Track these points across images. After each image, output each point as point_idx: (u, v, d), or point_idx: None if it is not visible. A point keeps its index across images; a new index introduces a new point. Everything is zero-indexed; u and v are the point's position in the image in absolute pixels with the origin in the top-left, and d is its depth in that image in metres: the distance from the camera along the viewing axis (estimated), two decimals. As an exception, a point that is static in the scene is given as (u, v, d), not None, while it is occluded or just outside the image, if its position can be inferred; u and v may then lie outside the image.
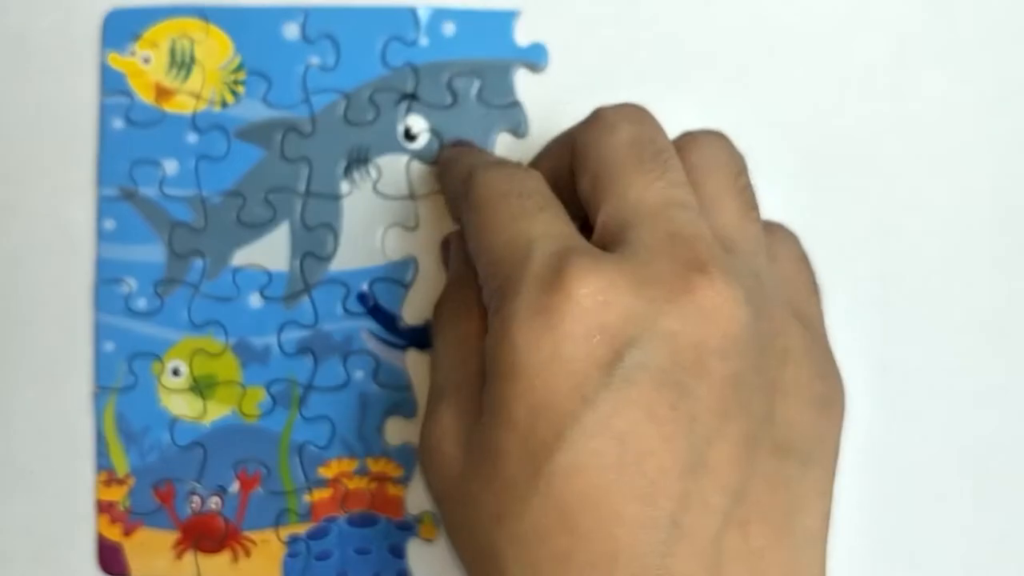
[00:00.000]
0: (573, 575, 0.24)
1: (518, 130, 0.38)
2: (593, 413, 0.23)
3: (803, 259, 0.31)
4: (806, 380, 0.27)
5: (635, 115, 0.29)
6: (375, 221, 0.38)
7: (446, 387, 0.29)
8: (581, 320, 0.24)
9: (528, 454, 0.24)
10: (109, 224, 0.38)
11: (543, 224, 0.27)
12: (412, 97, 0.38)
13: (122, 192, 0.38)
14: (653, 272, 0.25)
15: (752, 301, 0.25)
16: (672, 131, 0.38)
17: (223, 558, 0.38)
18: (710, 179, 0.29)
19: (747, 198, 0.29)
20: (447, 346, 0.30)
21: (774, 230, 0.31)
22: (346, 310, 0.38)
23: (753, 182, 0.30)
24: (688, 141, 0.30)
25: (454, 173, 0.34)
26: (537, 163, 0.33)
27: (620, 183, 0.27)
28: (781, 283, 0.28)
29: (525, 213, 0.27)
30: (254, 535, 0.38)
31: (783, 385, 0.26)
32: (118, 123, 0.38)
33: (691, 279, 0.24)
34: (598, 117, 0.30)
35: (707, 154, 0.29)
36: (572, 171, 0.30)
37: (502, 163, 0.31)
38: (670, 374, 0.24)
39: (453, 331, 0.30)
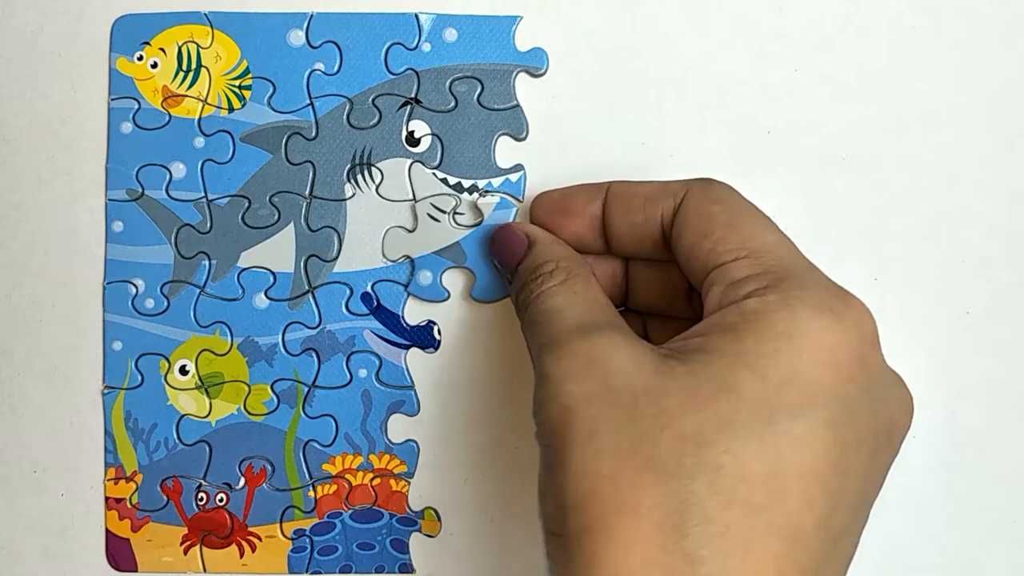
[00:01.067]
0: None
1: (518, 133, 0.38)
2: None
3: None
4: None
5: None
6: (378, 223, 0.38)
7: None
8: None
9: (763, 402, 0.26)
10: (117, 226, 0.38)
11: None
12: (414, 101, 0.38)
13: (130, 194, 0.38)
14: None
15: None
16: (669, 134, 0.39)
17: (230, 553, 0.38)
18: None
19: None
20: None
21: None
22: (349, 310, 0.38)
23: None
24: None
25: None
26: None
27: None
28: None
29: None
30: (260, 530, 0.38)
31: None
32: (126, 127, 0.38)
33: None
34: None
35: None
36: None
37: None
38: None
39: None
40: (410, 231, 0.38)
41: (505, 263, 0.35)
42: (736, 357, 0.27)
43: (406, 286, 0.38)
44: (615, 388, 0.27)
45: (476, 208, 0.38)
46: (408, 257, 0.38)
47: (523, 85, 0.38)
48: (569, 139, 0.39)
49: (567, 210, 0.35)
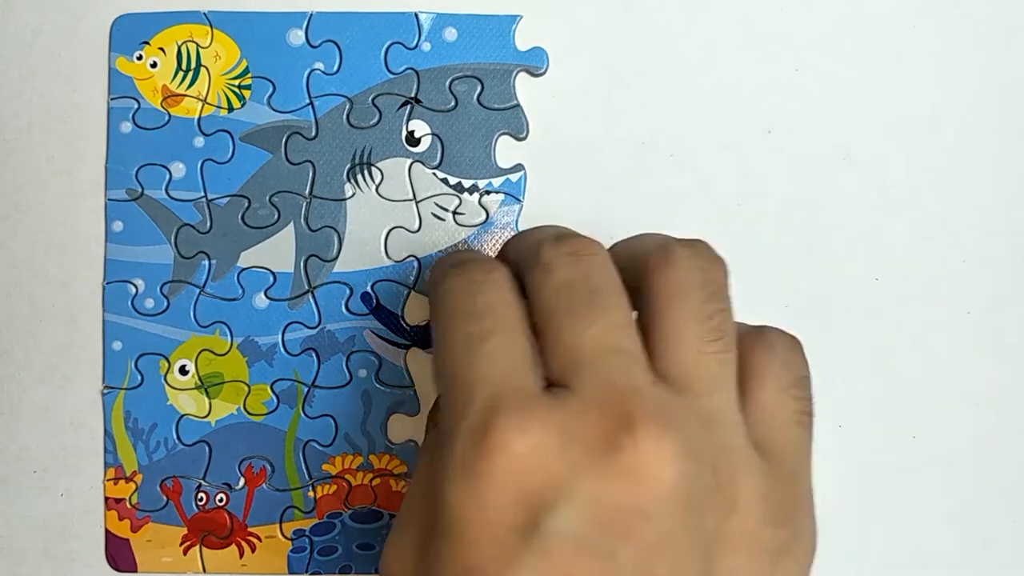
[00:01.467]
0: None
1: (518, 133, 0.38)
2: None
3: (794, 384, 0.28)
4: (754, 528, 0.25)
5: (570, 255, 0.28)
6: (378, 223, 0.38)
7: (409, 515, 0.27)
8: (503, 484, 0.23)
9: None
10: (117, 226, 0.38)
11: (486, 360, 0.26)
12: (414, 101, 0.38)
13: (130, 194, 0.38)
14: (581, 430, 0.24)
15: (691, 453, 0.24)
16: (669, 134, 0.39)
17: (229, 553, 0.38)
18: (672, 308, 0.27)
19: (713, 325, 0.27)
20: (418, 474, 0.29)
21: (763, 346, 0.28)
22: (349, 310, 0.38)
23: (724, 302, 0.28)
24: (659, 262, 0.27)
25: (432, 272, 0.32)
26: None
27: (554, 330, 0.26)
28: (753, 415, 0.27)
29: (471, 343, 0.26)
30: (259, 530, 0.38)
31: (727, 537, 0.25)
32: (126, 126, 0.38)
33: (617, 438, 0.23)
34: (538, 258, 0.28)
35: (673, 277, 0.27)
36: None
37: (468, 263, 0.29)
38: (591, 540, 0.23)
39: (426, 465, 0.29)
40: (414, 232, 0.38)
41: None
42: None
43: (412, 286, 0.38)
44: None
45: (480, 207, 0.38)
46: (413, 256, 0.38)
47: (523, 85, 0.38)
48: (569, 139, 0.39)
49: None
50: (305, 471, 0.38)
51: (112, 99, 0.38)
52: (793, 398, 0.27)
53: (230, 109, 0.38)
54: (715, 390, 0.26)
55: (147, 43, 0.38)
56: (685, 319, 0.26)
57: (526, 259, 0.28)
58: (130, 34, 0.38)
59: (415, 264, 0.38)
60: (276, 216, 0.38)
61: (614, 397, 0.24)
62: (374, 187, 0.38)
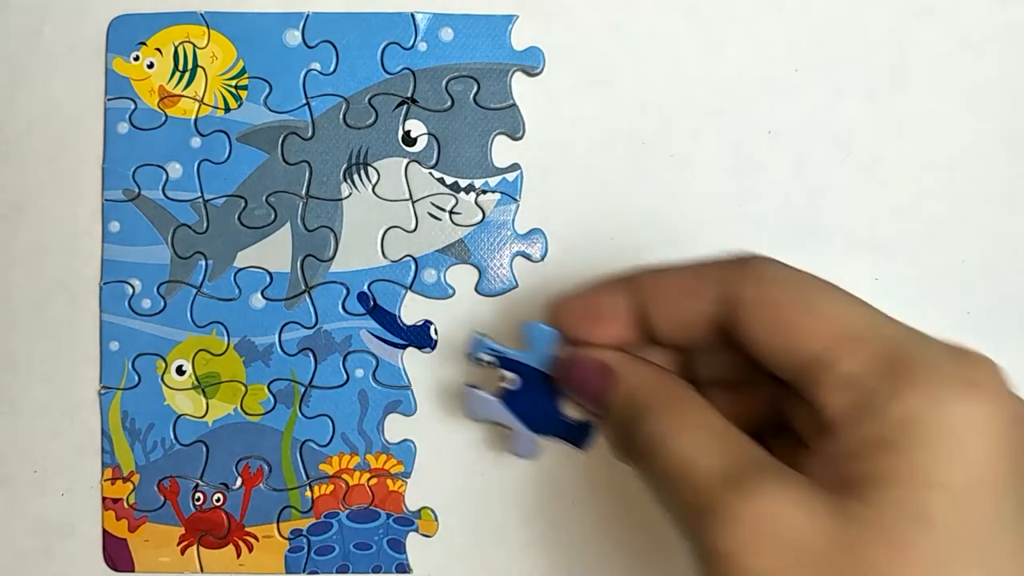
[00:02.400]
0: None
1: (515, 132, 0.38)
2: None
3: None
4: None
5: None
6: (375, 223, 0.38)
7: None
8: None
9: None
10: (114, 226, 0.38)
11: None
12: (411, 101, 0.38)
13: (127, 195, 0.38)
14: None
15: None
16: (669, 134, 0.38)
17: (227, 553, 0.38)
18: None
19: None
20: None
21: None
22: (346, 310, 0.38)
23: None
24: None
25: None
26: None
27: None
28: None
29: None
30: (257, 530, 0.38)
31: None
32: (123, 127, 0.38)
33: None
34: None
35: None
36: None
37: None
38: None
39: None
40: (410, 231, 0.38)
41: (590, 400, 0.30)
42: (914, 479, 0.24)
43: (409, 285, 0.38)
44: (806, 553, 0.24)
45: (476, 206, 0.38)
46: (410, 256, 0.38)
47: (520, 84, 0.38)
48: (567, 138, 0.39)
49: (596, 316, 0.30)
50: (302, 471, 0.38)
51: (109, 100, 0.38)
52: None
53: (227, 109, 0.38)
54: None
55: (144, 44, 0.38)
56: None
57: None
58: (127, 35, 0.38)
59: (412, 264, 0.38)
60: (273, 216, 0.38)
61: None
62: (371, 187, 0.38)
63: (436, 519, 0.38)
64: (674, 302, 0.28)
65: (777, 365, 0.27)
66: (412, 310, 0.38)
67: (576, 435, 0.32)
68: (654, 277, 0.29)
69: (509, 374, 0.32)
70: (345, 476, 0.38)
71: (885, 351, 0.26)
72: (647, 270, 0.29)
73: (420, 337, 0.38)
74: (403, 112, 0.38)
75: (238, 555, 0.38)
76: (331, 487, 0.38)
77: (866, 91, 0.39)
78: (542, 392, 0.32)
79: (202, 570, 0.38)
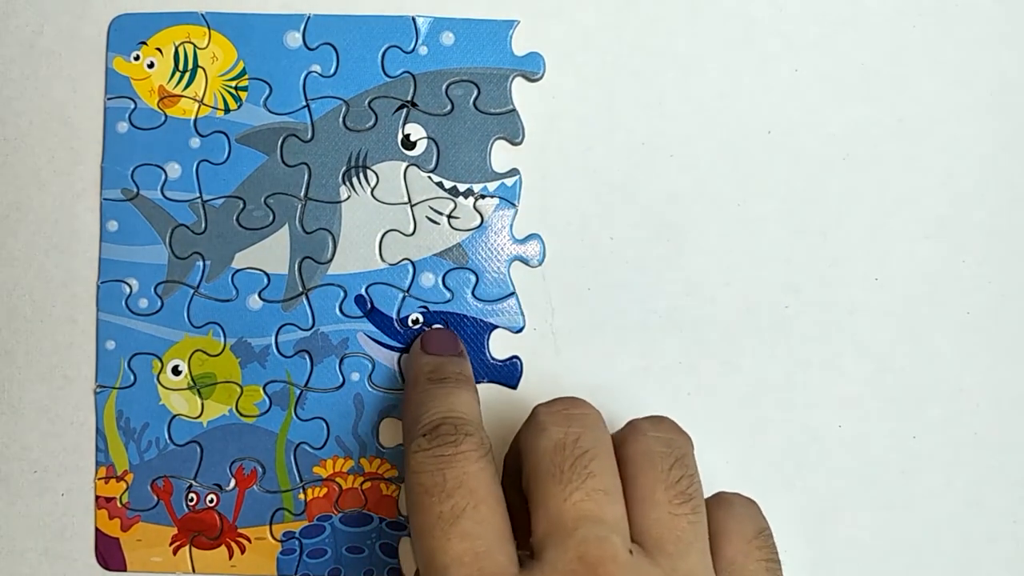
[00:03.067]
0: None
1: (514, 137, 0.38)
2: None
3: (756, 535, 0.30)
4: None
5: (563, 414, 0.30)
6: (373, 226, 0.38)
7: None
8: None
9: None
10: (112, 225, 0.38)
11: (458, 541, 0.27)
12: (411, 104, 0.38)
13: (125, 194, 0.38)
14: None
15: None
16: (669, 134, 0.38)
17: (219, 554, 0.38)
18: (642, 474, 0.29)
19: (680, 489, 0.29)
20: None
21: (723, 505, 0.31)
22: (343, 313, 0.38)
23: (690, 470, 0.30)
24: (628, 432, 0.31)
25: (406, 411, 0.34)
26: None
27: (542, 493, 0.28)
28: (724, 571, 0.29)
29: (443, 523, 0.28)
30: (249, 532, 0.38)
31: None
32: (122, 126, 0.38)
33: None
34: (533, 418, 0.30)
35: (642, 447, 0.30)
36: None
37: (436, 434, 0.30)
38: None
39: None
40: (408, 235, 0.38)
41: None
42: None
43: (406, 289, 0.38)
44: None
45: (475, 210, 0.38)
46: (408, 260, 0.38)
47: (520, 89, 0.38)
48: (567, 143, 0.39)
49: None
50: (296, 473, 0.38)
51: (109, 99, 0.38)
52: (758, 547, 0.30)
53: (226, 110, 0.38)
54: (688, 551, 0.28)
55: (144, 43, 0.38)
56: (654, 484, 0.29)
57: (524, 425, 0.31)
58: (128, 34, 0.38)
59: (410, 267, 0.38)
60: (271, 218, 0.38)
61: (588, 569, 0.26)
62: (369, 190, 0.38)
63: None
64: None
65: None
66: (409, 313, 0.38)
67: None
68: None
69: None
70: (339, 479, 0.38)
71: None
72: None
73: (416, 341, 0.38)
74: (403, 116, 0.38)
75: (230, 556, 0.38)
76: (324, 490, 0.38)
77: (866, 91, 0.39)
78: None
79: (194, 570, 0.38)
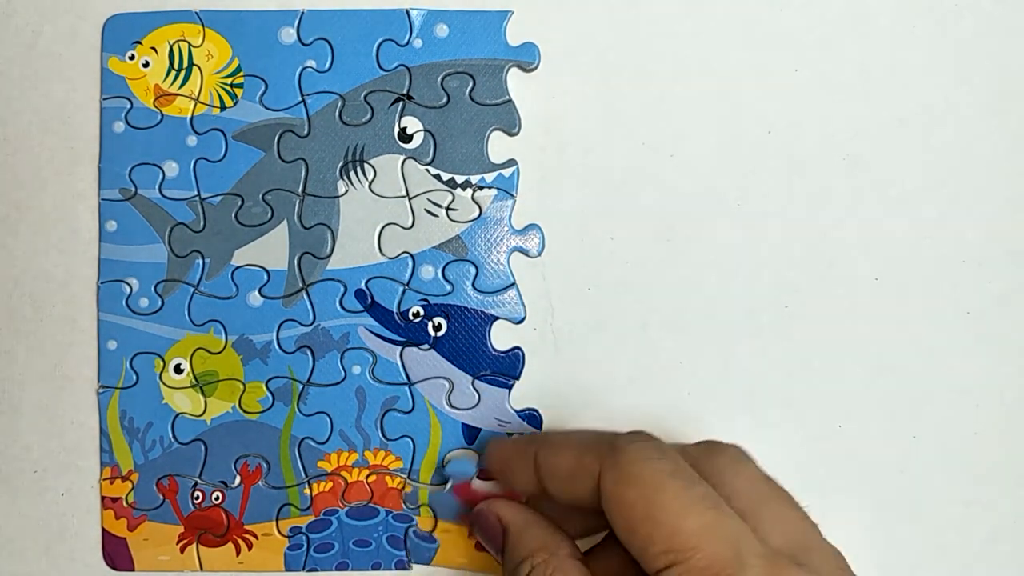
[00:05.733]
0: None
1: (511, 128, 0.38)
2: None
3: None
4: None
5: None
6: (371, 220, 0.38)
7: None
8: None
9: None
10: (111, 225, 0.38)
11: None
12: (406, 97, 0.38)
13: (123, 194, 0.38)
14: None
15: None
16: (669, 134, 0.38)
17: (226, 551, 0.38)
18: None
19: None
20: None
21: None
22: (343, 307, 0.38)
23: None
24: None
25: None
26: None
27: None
28: None
29: None
30: (256, 528, 0.38)
31: None
32: (119, 126, 0.38)
33: None
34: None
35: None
36: None
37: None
38: None
39: None
40: (407, 228, 0.38)
41: (491, 548, 0.35)
42: None
43: (406, 282, 0.38)
44: None
45: (473, 202, 0.38)
46: (407, 253, 0.38)
47: (516, 80, 0.38)
48: (563, 134, 0.39)
49: (510, 470, 0.34)
50: (301, 468, 0.38)
51: (105, 99, 0.38)
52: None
53: (222, 108, 0.38)
54: None
55: (139, 43, 0.38)
56: None
57: None
58: (122, 34, 0.38)
59: (409, 260, 0.38)
60: (269, 214, 0.38)
61: None
62: (367, 184, 0.38)
63: (434, 516, 0.38)
64: (561, 480, 0.32)
65: (643, 562, 0.29)
66: (409, 306, 0.38)
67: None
68: (546, 454, 0.32)
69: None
70: (344, 473, 0.38)
71: (711, 566, 0.28)
72: (544, 443, 0.32)
73: (417, 333, 0.38)
74: (399, 109, 0.38)
75: (237, 553, 0.38)
76: (330, 484, 0.38)
77: (866, 91, 0.39)
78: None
79: (202, 568, 0.38)
